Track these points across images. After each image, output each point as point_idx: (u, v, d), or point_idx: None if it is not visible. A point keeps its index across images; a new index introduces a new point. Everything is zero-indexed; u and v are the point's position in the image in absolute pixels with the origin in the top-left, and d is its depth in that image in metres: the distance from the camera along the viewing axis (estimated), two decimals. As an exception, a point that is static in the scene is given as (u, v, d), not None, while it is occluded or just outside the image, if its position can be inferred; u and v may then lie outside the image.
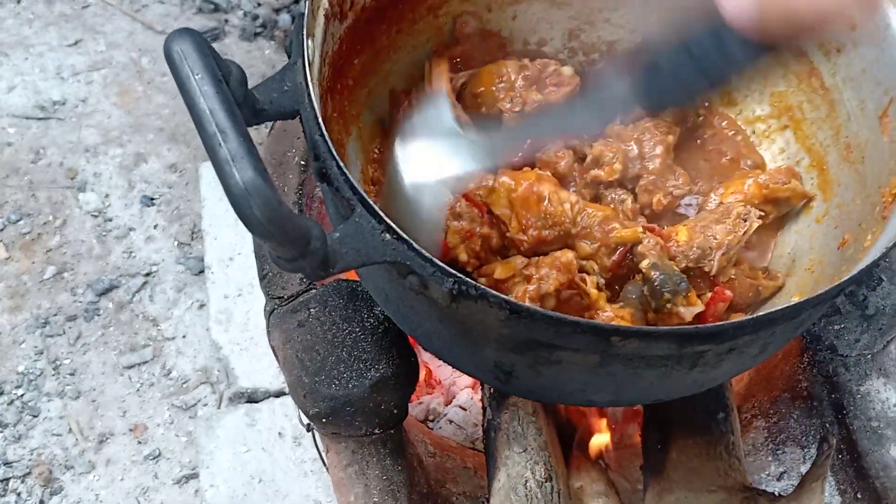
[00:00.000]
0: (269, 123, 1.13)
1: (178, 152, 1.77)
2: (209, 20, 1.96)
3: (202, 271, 1.59)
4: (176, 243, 1.66)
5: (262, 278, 0.92)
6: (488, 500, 0.88)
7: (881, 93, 0.84)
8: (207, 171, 1.67)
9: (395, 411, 0.88)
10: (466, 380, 1.22)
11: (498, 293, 0.63)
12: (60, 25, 1.93)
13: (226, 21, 1.97)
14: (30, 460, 1.43)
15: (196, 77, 0.55)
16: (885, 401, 0.99)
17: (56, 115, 1.81)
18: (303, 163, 0.98)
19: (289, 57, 0.72)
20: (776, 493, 0.91)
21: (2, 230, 1.65)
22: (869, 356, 0.99)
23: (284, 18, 1.97)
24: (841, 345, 0.97)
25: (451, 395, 1.21)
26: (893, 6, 0.81)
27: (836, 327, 0.96)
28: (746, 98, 1.01)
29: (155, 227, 1.68)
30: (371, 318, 0.87)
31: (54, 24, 1.93)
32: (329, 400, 0.83)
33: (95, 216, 1.69)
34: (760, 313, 0.65)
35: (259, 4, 1.99)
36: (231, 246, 1.55)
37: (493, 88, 0.95)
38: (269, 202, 0.53)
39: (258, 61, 1.90)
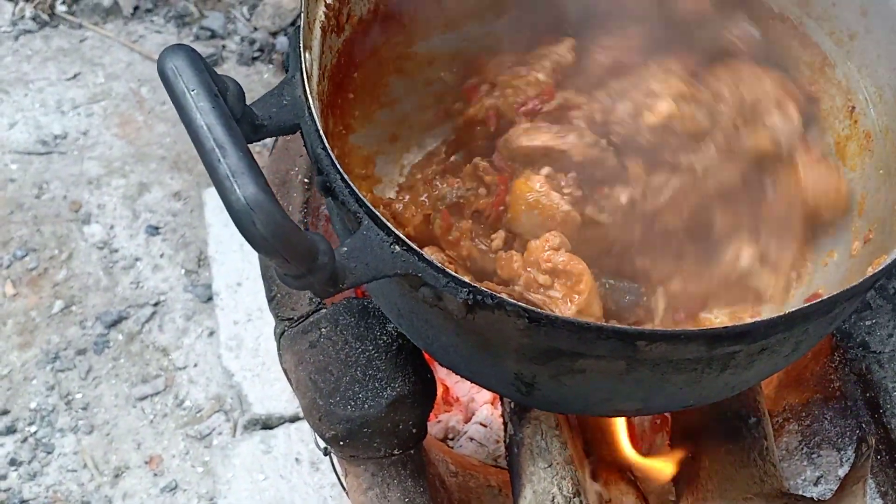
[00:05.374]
0: (271, 143, 1.11)
1: (182, 180, 1.76)
2: (207, 47, 1.96)
3: (210, 298, 1.57)
4: (183, 271, 1.64)
5: (270, 300, 0.90)
6: (515, 520, 0.85)
7: (899, 77, 0.82)
8: (211, 197, 1.65)
9: (415, 430, 0.85)
10: (485, 395, 1.19)
11: (516, 301, 0.61)
12: (59, 60, 1.93)
13: (223, 47, 1.96)
14: (46, 498, 1.41)
15: (191, 93, 0.54)
16: (922, 396, 0.95)
17: (58, 149, 1.80)
18: (306, 181, 0.96)
19: (286, 72, 0.70)
20: (815, 499, 0.87)
21: (8, 266, 1.64)
22: (903, 350, 0.96)
23: (282, 42, 1.96)
24: (873, 341, 0.93)
25: (471, 411, 1.18)
26: None
27: (867, 323, 0.93)
28: None
29: (161, 255, 1.66)
30: (384, 335, 0.84)
31: (52, 58, 1.93)
32: (345, 422, 0.80)
33: (101, 248, 1.67)
34: (792, 310, 0.62)
35: (256, 29, 1.99)
36: (238, 271, 1.54)
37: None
38: (273, 217, 0.51)
39: (257, 85, 1.89)
